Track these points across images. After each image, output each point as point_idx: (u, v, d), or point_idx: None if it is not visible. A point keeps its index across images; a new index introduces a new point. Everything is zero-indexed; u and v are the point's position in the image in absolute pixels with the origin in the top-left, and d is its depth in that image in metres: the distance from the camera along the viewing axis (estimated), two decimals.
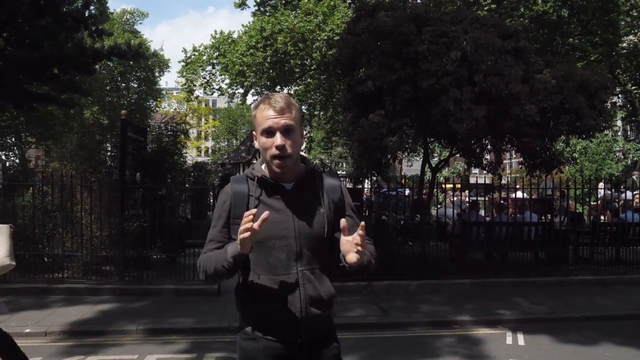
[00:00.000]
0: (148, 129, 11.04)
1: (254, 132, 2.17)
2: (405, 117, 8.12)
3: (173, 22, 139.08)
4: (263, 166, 2.17)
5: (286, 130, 2.04)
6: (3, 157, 26.86)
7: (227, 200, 2.15)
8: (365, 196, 12.68)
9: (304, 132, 29.63)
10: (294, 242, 2.07)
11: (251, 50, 21.49)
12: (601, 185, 14.24)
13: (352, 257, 1.93)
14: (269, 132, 2.04)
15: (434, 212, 12.57)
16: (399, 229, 10.20)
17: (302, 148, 2.18)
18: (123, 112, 8.71)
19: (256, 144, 2.16)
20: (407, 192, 12.12)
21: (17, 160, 26.50)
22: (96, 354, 5.47)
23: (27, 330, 6.09)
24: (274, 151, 2.03)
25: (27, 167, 21.15)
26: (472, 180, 25.01)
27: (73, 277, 8.05)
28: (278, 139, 2.02)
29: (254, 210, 1.88)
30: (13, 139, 26.73)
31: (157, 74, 34.83)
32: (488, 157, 10.51)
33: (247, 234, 1.85)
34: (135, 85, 33.17)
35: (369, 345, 5.85)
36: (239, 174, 2.26)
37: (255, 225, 1.85)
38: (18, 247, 7.87)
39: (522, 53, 8.48)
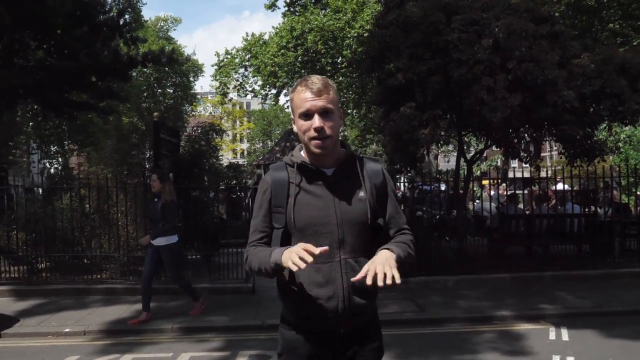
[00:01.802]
0: (181, 130, 11.16)
1: (292, 117, 2.11)
2: (437, 108, 7.92)
3: (209, 28, 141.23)
4: (302, 152, 2.11)
5: (324, 112, 1.98)
6: (47, 164, 27.77)
7: (267, 189, 2.10)
8: (400, 192, 12.52)
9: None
10: (336, 229, 2.01)
11: (282, 51, 21.57)
12: None
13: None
14: (307, 115, 1.99)
15: (471, 206, 12.28)
16: (435, 224, 9.98)
17: (340, 131, 2.11)
18: (156, 114, 8.83)
19: (295, 128, 2.10)
20: (443, 187, 11.88)
21: (60, 168, 27.34)
22: (131, 352, 5.52)
23: (67, 330, 6.22)
24: (312, 133, 1.98)
25: (70, 173, 21.81)
26: (511, 173, 24.41)
27: (111, 277, 8.18)
28: (316, 121, 1.97)
29: (313, 249, 1.80)
30: (56, 147, 27.65)
31: (191, 79, 35.42)
32: (526, 147, 10.14)
33: (298, 265, 1.78)
34: (171, 91, 33.82)
35: (405, 342, 5.71)
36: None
37: (309, 260, 1.79)
38: (58, 249, 8.11)
39: (558, 38, 8.16)
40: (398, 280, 1.82)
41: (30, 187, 9.31)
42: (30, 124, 22.63)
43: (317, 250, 1.81)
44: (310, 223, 2.00)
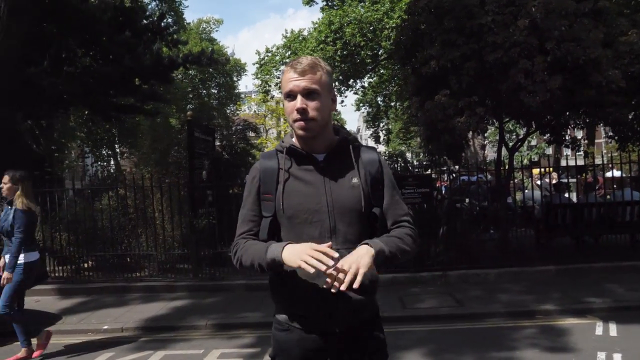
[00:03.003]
0: (228, 126, 11.25)
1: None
2: (472, 95, 7.61)
3: (254, 27, 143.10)
4: (293, 138, 2.00)
5: (308, 93, 1.87)
6: (99, 168, 28.82)
7: (255, 176, 2.00)
8: (443, 184, 12.17)
9: (382, 124, 28.92)
10: (327, 217, 1.88)
11: (321, 46, 21.48)
12: None
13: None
14: (290, 96, 1.89)
15: (519, 196, 11.80)
16: (477, 216, 9.64)
17: (333, 114, 1.99)
18: (189, 113, 8.92)
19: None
20: (488, 177, 11.47)
21: (113, 170, 28.32)
22: (164, 348, 5.57)
23: (105, 327, 6.35)
24: (295, 115, 1.87)
25: (121, 175, 22.55)
26: (564, 161, 23.43)
27: (150, 275, 8.34)
28: (298, 101, 1.86)
29: (331, 252, 1.71)
30: (107, 151, 28.64)
31: (235, 78, 35.91)
32: (575, 133, 9.63)
33: (316, 267, 1.68)
34: (215, 91, 34.38)
35: (440, 338, 5.51)
36: None
37: (330, 270, 1.69)
38: (100, 249, 8.34)
39: (602, 15, 7.68)
40: (356, 285, 1.69)
41: (79, 189, 9.59)
42: (84, 129, 23.57)
43: (335, 254, 1.71)
44: (299, 210, 1.89)
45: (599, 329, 5.52)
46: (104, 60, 12.97)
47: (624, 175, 10.83)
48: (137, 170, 9.51)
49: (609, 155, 10.63)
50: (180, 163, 10.06)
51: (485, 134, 22.09)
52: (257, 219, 1.97)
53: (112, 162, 29.36)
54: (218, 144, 10.29)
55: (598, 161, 9.61)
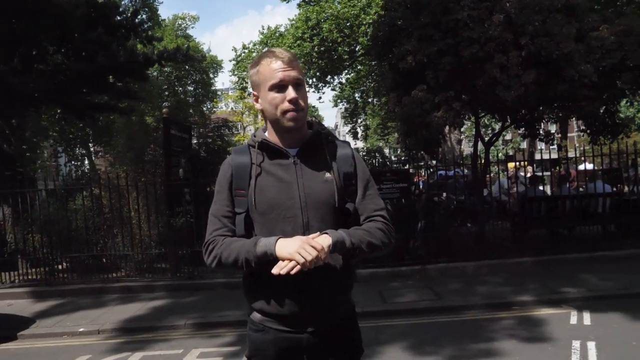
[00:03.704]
0: (205, 125, 11.13)
1: (254, 93, 1.94)
2: (449, 90, 7.67)
3: (232, 24, 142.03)
4: (266, 133, 1.96)
5: (296, 84, 1.84)
6: (73, 167, 28.30)
7: (228, 171, 1.93)
8: (420, 179, 12.26)
9: (360, 120, 28.98)
10: (300, 212, 1.84)
11: (298, 42, 21.44)
12: None
13: None
14: (280, 87, 1.82)
15: (491, 189, 11.93)
16: (454, 210, 9.73)
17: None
18: (165, 110, 8.80)
19: (257, 105, 1.95)
20: (465, 171, 11.58)
21: (87, 170, 27.84)
22: (143, 349, 5.50)
23: (81, 329, 6.24)
24: (286, 105, 1.82)
25: (95, 174, 22.17)
26: (539, 155, 23.78)
27: (128, 275, 8.22)
28: (291, 92, 1.81)
29: (325, 246, 1.71)
30: (81, 150, 28.13)
31: (211, 75, 35.56)
32: (548, 127, 9.78)
33: (307, 260, 1.67)
34: (192, 89, 34.01)
35: (421, 331, 5.55)
36: None
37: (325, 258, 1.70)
38: (75, 250, 8.18)
39: (575, 10, 7.80)
40: (284, 271, 1.69)
41: (52, 190, 9.38)
42: (57, 128, 23.09)
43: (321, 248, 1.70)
44: (272, 205, 1.84)
45: (573, 318, 5.63)
46: (76, 58, 12.70)
47: (595, 168, 11.04)
48: (112, 169, 9.32)
49: (581, 148, 10.84)
50: (156, 161, 9.92)
51: (462, 129, 22.34)
52: (231, 215, 1.91)
53: (86, 162, 28.86)
54: (195, 141, 10.18)
55: (571, 154, 9.79)
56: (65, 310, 7.08)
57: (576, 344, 4.78)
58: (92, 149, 28.35)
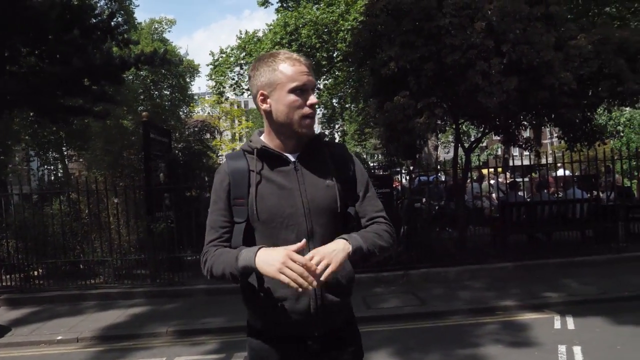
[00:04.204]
0: (180, 130, 10.98)
1: (261, 92, 1.81)
2: (431, 96, 7.73)
3: (210, 28, 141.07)
4: (262, 137, 1.90)
5: (314, 90, 1.83)
6: (46, 171, 27.65)
7: (224, 180, 1.86)
8: (398, 184, 12.32)
9: (337, 125, 29.11)
10: (303, 219, 1.79)
11: (276, 47, 21.39)
12: None
13: None
14: (303, 90, 1.77)
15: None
16: (435, 215, 9.80)
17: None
18: (144, 113, 8.64)
19: (264, 106, 1.82)
20: (443, 177, 11.69)
21: (60, 174, 27.22)
22: (124, 358, 5.37)
23: (59, 338, 6.07)
24: (307, 110, 1.77)
25: (69, 178, 21.70)
26: (512, 162, 24.14)
27: (106, 282, 8.03)
28: (313, 97, 1.79)
29: (309, 263, 1.61)
30: (54, 154, 27.50)
31: (188, 80, 35.24)
32: (525, 134, 9.91)
33: (301, 286, 1.59)
34: (168, 93, 33.64)
35: (406, 337, 5.54)
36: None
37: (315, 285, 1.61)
38: (51, 256, 7.96)
39: (553, 19, 7.95)
40: (322, 280, 1.63)
41: (27, 194, 9.12)
42: (28, 131, 22.53)
43: (307, 261, 1.61)
44: (274, 214, 1.79)
45: (557, 323, 5.69)
46: (50, 60, 12.45)
47: (572, 174, 11.25)
48: (89, 173, 9.13)
49: (555, 155, 11.05)
50: (133, 165, 9.74)
51: (438, 135, 22.57)
52: (229, 225, 1.85)
53: (59, 166, 28.22)
54: (174, 145, 10.03)
55: (544, 161, 9.98)
56: (42, 318, 6.87)
57: (562, 348, 4.83)
58: (65, 153, 27.74)
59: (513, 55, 7.17)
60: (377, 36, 8.53)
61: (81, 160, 28.75)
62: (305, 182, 1.83)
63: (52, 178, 24.90)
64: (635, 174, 12.26)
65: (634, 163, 10.75)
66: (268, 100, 1.83)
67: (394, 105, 7.75)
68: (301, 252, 1.72)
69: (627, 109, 20.29)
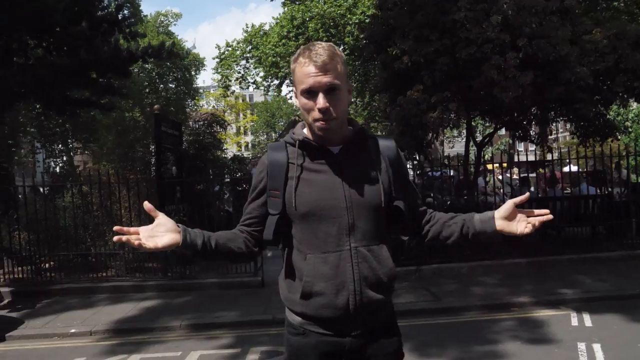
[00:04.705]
0: (186, 123, 10.95)
1: (294, 90, 1.86)
2: (445, 91, 7.68)
3: (215, 22, 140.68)
4: (305, 130, 1.87)
5: (330, 90, 1.72)
6: (52, 163, 27.65)
7: (263, 170, 1.86)
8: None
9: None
10: (345, 213, 1.76)
11: (283, 41, 21.35)
12: None
13: (524, 227, 1.84)
14: (310, 93, 1.73)
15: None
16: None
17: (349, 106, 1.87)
18: (156, 107, 8.61)
19: (296, 102, 1.86)
20: (451, 173, 11.63)
21: (66, 167, 27.21)
22: (139, 352, 5.35)
23: (73, 331, 6.05)
24: (316, 114, 1.73)
25: (75, 171, 21.69)
26: (521, 157, 24.04)
27: (117, 275, 8.01)
28: (321, 101, 1.71)
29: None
30: (61, 146, 27.50)
31: (193, 73, 35.16)
32: (534, 129, 9.84)
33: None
34: (173, 86, 33.56)
35: (422, 333, 5.51)
36: None
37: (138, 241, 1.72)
38: (62, 248, 7.95)
39: (568, 13, 7.90)
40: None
41: (35, 186, 9.09)
42: (34, 123, 22.51)
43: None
44: (315, 207, 1.77)
45: (574, 320, 5.65)
46: (58, 52, 12.41)
47: (579, 170, 11.19)
48: (99, 166, 9.10)
49: (561, 150, 10.97)
50: (144, 158, 9.71)
51: (444, 130, 22.50)
52: (258, 213, 1.88)
53: (65, 158, 28.20)
54: (185, 138, 10.00)
55: (551, 157, 9.93)
56: (54, 311, 6.85)
57: (582, 345, 4.79)
58: (70, 145, 27.72)
59: (529, 50, 7.13)
60: (389, 30, 8.47)
61: (87, 152, 28.74)
62: (347, 175, 1.80)
63: (58, 170, 24.87)
64: None
65: None
66: (296, 98, 1.85)
67: (407, 99, 7.71)
68: (341, 243, 1.75)
69: (635, 104, 20.19)
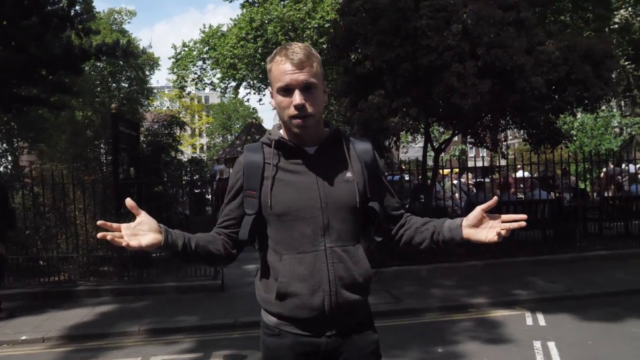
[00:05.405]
0: (141, 123, 10.68)
1: (270, 91, 1.87)
2: (406, 96, 7.81)
3: (171, 21, 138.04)
4: (281, 130, 1.88)
5: (306, 88, 1.74)
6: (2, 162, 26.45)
7: (239, 171, 1.87)
8: None
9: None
10: (320, 213, 1.78)
11: (241, 42, 21.21)
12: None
13: (492, 235, 1.77)
14: (287, 90, 1.75)
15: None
16: None
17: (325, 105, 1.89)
18: (113, 106, 8.35)
19: (272, 103, 1.86)
20: (406, 177, 11.83)
21: (10, 167, 26.04)
22: (96, 358, 5.17)
23: (24, 337, 5.78)
24: (292, 111, 1.75)
25: (21, 171, 20.78)
26: (471, 163, 24.74)
27: (70, 279, 7.72)
28: (297, 97, 1.73)
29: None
30: (5, 146, 26.33)
31: (147, 73, 34.41)
32: (489, 135, 10.16)
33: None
34: (126, 85, 32.74)
35: (384, 334, 5.45)
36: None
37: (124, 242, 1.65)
38: (11, 252, 7.59)
39: (524, 25, 8.19)
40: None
41: None
42: None
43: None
44: (290, 207, 1.78)
45: (529, 319, 5.86)
46: (5, 47, 11.90)
47: (531, 175, 11.63)
48: (50, 166, 8.77)
49: (514, 156, 11.40)
50: (99, 159, 9.42)
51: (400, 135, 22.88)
52: (235, 214, 1.88)
53: (9, 158, 26.98)
54: (142, 138, 9.76)
55: (504, 162, 10.30)
56: (3, 317, 6.52)
57: (537, 344, 4.97)
58: (15, 145, 26.55)
59: (487, 58, 7.33)
60: (352, 35, 8.55)
61: (33, 152, 27.57)
62: (323, 176, 1.82)
63: (2, 170, 23.77)
64: (588, 176, 12.76)
65: (588, 166, 11.17)
66: (272, 98, 1.86)
67: (368, 103, 7.79)
68: (317, 244, 1.77)
69: (580, 114, 21.20)
